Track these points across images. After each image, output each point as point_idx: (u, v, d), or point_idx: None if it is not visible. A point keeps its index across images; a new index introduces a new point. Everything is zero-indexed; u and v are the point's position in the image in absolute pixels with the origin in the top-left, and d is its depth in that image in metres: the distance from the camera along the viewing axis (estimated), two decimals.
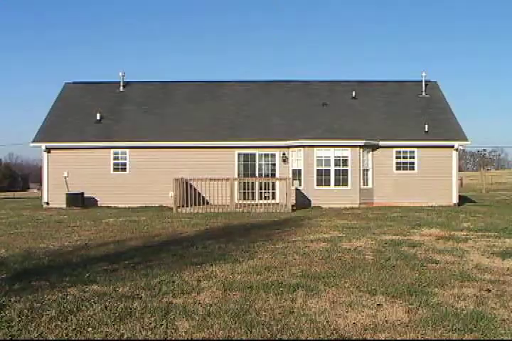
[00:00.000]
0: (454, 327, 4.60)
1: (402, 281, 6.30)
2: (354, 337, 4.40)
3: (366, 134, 20.37)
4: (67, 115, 22.31)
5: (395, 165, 20.58)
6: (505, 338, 4.41)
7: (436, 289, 5.97)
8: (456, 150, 20.49)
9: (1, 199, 33.71)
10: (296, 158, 20.43)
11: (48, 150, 20.76)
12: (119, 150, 20.80)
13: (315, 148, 19.90)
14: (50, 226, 12.75)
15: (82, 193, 20.10)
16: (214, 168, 20.01)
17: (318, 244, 9.27)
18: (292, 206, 17.94)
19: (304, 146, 19.99)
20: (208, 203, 18.64)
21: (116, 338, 4.38)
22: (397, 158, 20.59)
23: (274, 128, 21.21)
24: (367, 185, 20.37)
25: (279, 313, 5.02)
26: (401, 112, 22.21)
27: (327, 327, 4.62)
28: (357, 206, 19.40)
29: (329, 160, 19.88)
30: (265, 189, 19.50)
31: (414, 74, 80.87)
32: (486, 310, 5.17)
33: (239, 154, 20.77)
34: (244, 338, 4.37)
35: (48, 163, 20.80)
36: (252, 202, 18.43)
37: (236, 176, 20.31)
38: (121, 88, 23.94)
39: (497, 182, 47.67)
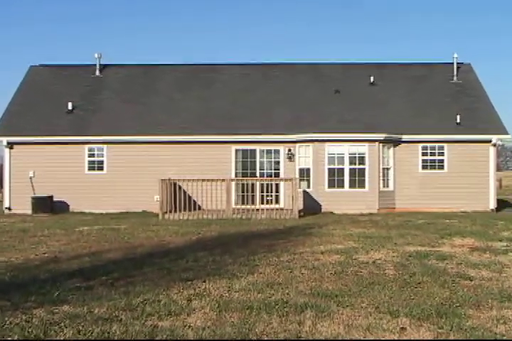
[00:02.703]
0: None
1: (429, 301, 6.29)
2: None
3: (387, 127, 20.35)
4: (33, 104, 22.30)
5: (420, 163, 20.57)
6: None
7: (470, 310, 5.95)
8: (494, 145, 20.47)
9: None
10: (304, 155, 20.43)
11: (10, 145, 20.75)
12: (95, 146, 20.79)
13: (326, 143, 19.90)
14: (12, 235, 12.74)
15: (51, 197, 20.09)
16: (207, 167, 20.01)
17: (329, 257, 9.27)
18: (299, 211, 17.93)
19: (313, 141, 19.98)
20: (200, 208, 18.63)
21: None
22: (423, 154, 20.58)
23: (277, 120, 21.20)
24: (387, 187, 20.36)
25: (284, 338, 4.99)
26: (428, 100, 22.20)
27: None
28: (376, 211, 19.40)
29: (343, 157, 19.87)
30: (267, 191, 19.48)
31: (443, 55, 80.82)
32: None
33: (236, 150, 20.76)
34: None
35: (10, 160, 20.79)
36: (252, 206, 18.42)
37: (233, 176, 20.30)
38: (97, 72, 23.90)
39: None
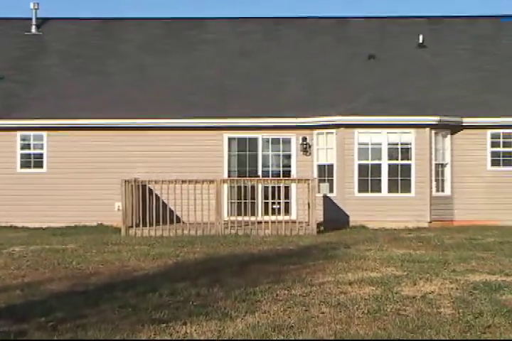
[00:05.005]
0: None
1: None
2: None
3: (441, 106, 20.28)
4: None
5: (489, 158, 20.49)
6: None
7: None
8: None
9: None
10: (325, 146, 20.38)
11: None
12: (31, 133, 20.75)
13: (356, 130, 19.85)
14: None
15: None
16: (189, 163, 19.95)
17: (361, 289, 9.25)
18: (318, 225, 17.90)
19: (337, 126, 19.93)
20: (179, 220, 18.57)
21: None
22: (493, 145, 20.51)
23: (287, 97, 21.14)
24: (442, 191, 20.31)
25: None
26: (499, 69, 22.14)
27: None
28: (426, 225, 19.36)
29: (379, 149, 19.82)
30: (274, 197, 19.41)
31: None
32: None
33: (230, 139, 20.71)
34: None
35: None
36: (252, 218, 18.35)
37: (226, 176, 20.26)
38: (33, 29, 23.86)
39: None
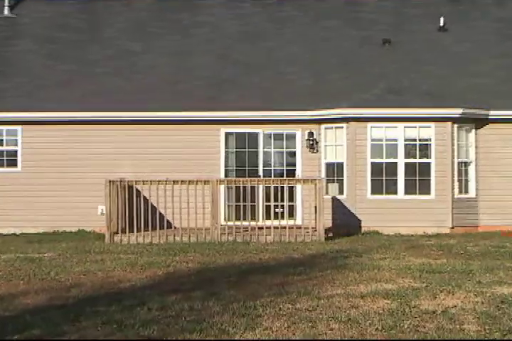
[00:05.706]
0: None
1: None
2: None
3: (464, 97, 20.26)
4: None
5: None
6: None
7: None
8: None
9: None
10: (334, 143, 20.37)
11: None
12: (4, 128, 20.73)
13: (369, 124, 19.83)
14: None
15: None
16: (181, 161, 19.96)
17: (374, 303, 9.25)
18: (327, 231, 17.90)
19: (347, 120, 19.92)
20: (170, 226, 18.57)
21: None
22: None
23: (292, 87, 21.13)
24: (466, 193, 20.29)
25: None
26: None
27: None
28: (448, 231, 19.34)
29: (395, 145, 19.81)
30: (276, 200, 19.40)
31: None
32: None
33: (227, 134, 20.69)
34: None
35: None
36: (253, 223, 18.36)
37: (222, 176, 20.26)
38: (5, 11, 23.84)
39: None
